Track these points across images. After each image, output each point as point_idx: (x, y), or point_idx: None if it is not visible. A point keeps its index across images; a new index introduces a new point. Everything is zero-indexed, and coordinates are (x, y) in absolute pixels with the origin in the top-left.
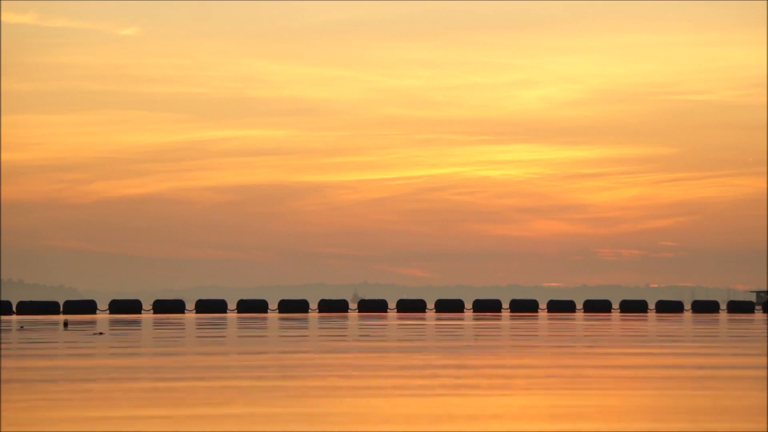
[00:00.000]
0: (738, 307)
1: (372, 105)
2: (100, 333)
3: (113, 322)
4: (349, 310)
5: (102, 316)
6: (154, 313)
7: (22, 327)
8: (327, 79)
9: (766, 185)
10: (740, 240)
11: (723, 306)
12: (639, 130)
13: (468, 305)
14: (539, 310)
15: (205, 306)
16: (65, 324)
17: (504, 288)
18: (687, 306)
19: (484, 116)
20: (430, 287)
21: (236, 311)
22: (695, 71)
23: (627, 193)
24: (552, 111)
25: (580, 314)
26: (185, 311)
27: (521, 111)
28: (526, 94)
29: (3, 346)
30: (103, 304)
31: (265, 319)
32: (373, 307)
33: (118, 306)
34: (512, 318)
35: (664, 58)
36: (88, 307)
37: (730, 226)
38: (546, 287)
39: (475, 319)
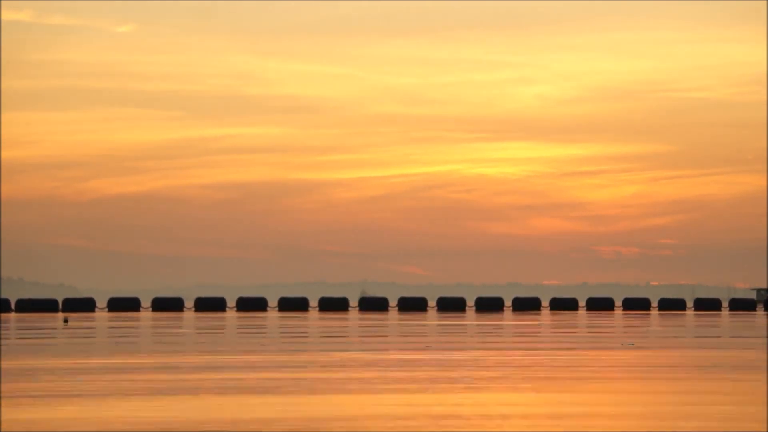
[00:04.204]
0: (740, 305)
1: (369, 102)
2: None
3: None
4: (349, 309)
5: (101, 314)
6: (153, 311)
7: None
8: (323, 76)
9: (765, 183)
10: (740, 238)
11: (725, 304)
12: (637, 128)
13: (470, 303)
14: (542, 308)
15: (205, 304)
16: (66, 321)
17: (504, 286)
18: (689, 304)
19: (481, 113)
20: (431, 285)
21: (236, 309)
22: (693, 68)
23: (625, 191)
24: (549, 108)
25: (583, 312)
26: (184, 309)
27: (518, 108)
28: (523, 92)
29: None
30: (102, 302)
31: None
32: (374, 305)
33: (116, 304)
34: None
35: (662, 55)
36: (87, 305)
37: (730, 223)
38: (546, 285)
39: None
